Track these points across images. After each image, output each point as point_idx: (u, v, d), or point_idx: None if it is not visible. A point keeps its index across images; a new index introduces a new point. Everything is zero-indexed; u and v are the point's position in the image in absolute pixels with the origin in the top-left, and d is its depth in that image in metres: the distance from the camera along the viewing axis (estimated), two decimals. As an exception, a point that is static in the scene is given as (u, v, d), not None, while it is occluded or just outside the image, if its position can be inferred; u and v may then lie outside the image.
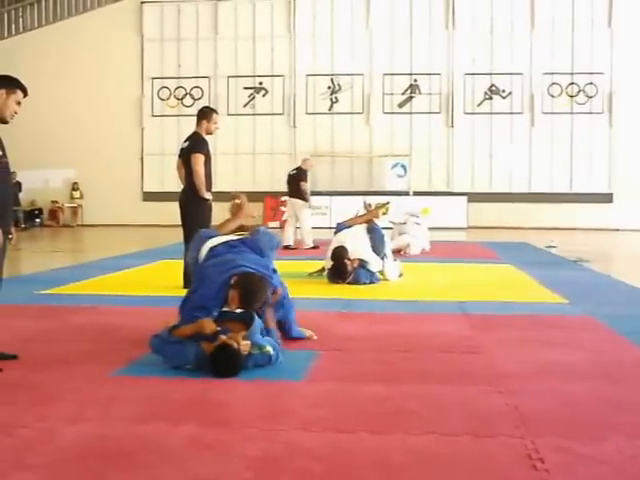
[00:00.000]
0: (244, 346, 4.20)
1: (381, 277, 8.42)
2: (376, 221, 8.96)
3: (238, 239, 5.17)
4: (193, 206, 7.59)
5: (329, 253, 8.31)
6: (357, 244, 8.28)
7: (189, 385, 3.99)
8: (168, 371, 4.24)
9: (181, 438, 3.16)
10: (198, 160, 7.50)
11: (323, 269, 8.57)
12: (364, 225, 8.72)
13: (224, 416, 3.50)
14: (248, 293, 4.46)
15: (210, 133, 7.80)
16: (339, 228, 8.79)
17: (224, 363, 4.11)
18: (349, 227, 8.70)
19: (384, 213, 9.62)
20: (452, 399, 3.75)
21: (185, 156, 7.63)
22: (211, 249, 4.96)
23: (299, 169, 14.03)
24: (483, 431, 3.26)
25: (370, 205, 10.49)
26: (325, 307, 6.66)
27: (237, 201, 5.59)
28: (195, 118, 7.91)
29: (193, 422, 3.37)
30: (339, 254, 8.09)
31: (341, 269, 8.08)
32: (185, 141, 7.80)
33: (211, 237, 5.18)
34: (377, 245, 8.50)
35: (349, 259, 8.10)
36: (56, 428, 3.29)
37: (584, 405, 3.67)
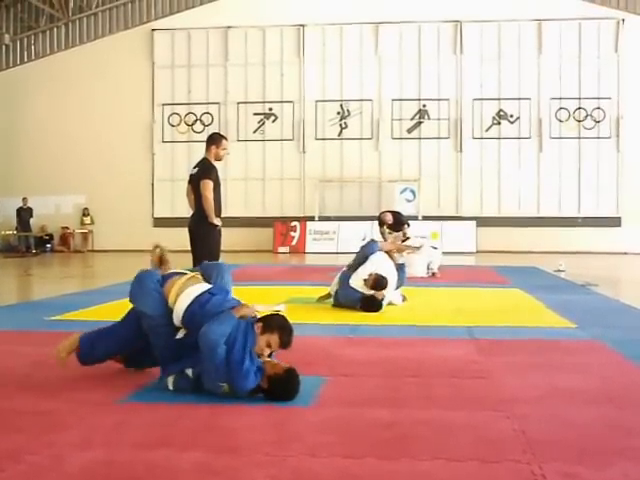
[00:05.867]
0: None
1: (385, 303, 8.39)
2: (396, 256, 8.80)
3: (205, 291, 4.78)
4: (203, 232, 7.61)
5: (367, 275, 8.07)
6: (391, 279, 8.17)
7: (197, 411, 4.00)
8: (176, 398, 4.25)
9: (189, 464, 3.17)
10: (207, 186, 7.52)
11: (329, 295, 8.51)
12: (388, 257, 8.54)
13: (232, 442, 3.51)
14: (288, 332, 4.34)
15: (219, 159, 7.78)
16: (373, 249, 8.48)
17: (295, 387, 4.19)
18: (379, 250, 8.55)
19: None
20: (459, 424, 3.75)
21: (194, 182, 7.65)
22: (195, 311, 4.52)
23: None
24: (490, 456, 3.25)
25: (397, 237, 10.35)
26: (332, 332, 6.67)
27: (157, 251, 5.40)
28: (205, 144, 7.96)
29: (201, 448, 3.38)
30: (382, 285, 7.97)
31: (375, 303, 7.98)
32: (194, 167, 7.81)
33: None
34: (398, 283, 8.50)
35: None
36: (64, 455, 3.30)
37: (591, 430, 3.66)
